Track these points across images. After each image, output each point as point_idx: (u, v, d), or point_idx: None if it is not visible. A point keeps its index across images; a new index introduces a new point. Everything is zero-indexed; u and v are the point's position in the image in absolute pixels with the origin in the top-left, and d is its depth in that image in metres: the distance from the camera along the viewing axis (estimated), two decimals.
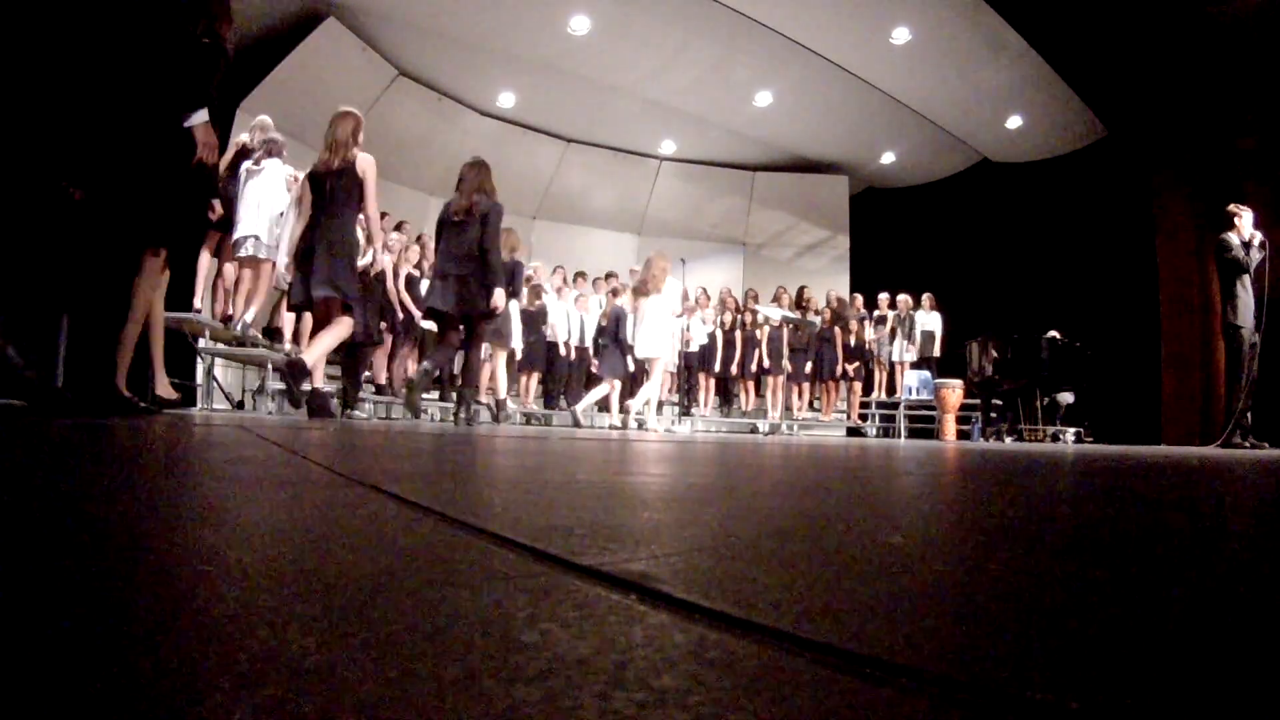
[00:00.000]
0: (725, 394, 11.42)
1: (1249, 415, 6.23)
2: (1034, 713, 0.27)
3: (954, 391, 9.52)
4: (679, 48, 9.36)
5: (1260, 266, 6.20)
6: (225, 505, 0.77)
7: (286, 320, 6.67)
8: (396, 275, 7.62)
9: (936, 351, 10.61)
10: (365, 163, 4.37)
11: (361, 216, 4.48)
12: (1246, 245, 6.19)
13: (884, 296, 11.19)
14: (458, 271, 4.84)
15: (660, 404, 10.35)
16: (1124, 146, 10.13)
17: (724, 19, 8.66)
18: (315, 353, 4.38)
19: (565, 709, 0.26)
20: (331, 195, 4.32)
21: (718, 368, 10.90)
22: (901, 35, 8.90)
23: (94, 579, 0.42)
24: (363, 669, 0.29)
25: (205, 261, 6.02)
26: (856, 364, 10.67)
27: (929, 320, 10.79)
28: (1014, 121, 10.56)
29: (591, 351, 9.36)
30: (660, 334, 7.06)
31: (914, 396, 10.39)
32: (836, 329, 10.59)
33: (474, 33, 9.02)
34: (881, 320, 11.04)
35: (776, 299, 10.92)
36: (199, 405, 6.27)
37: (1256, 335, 6.21)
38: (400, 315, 7.65)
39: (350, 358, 6.67)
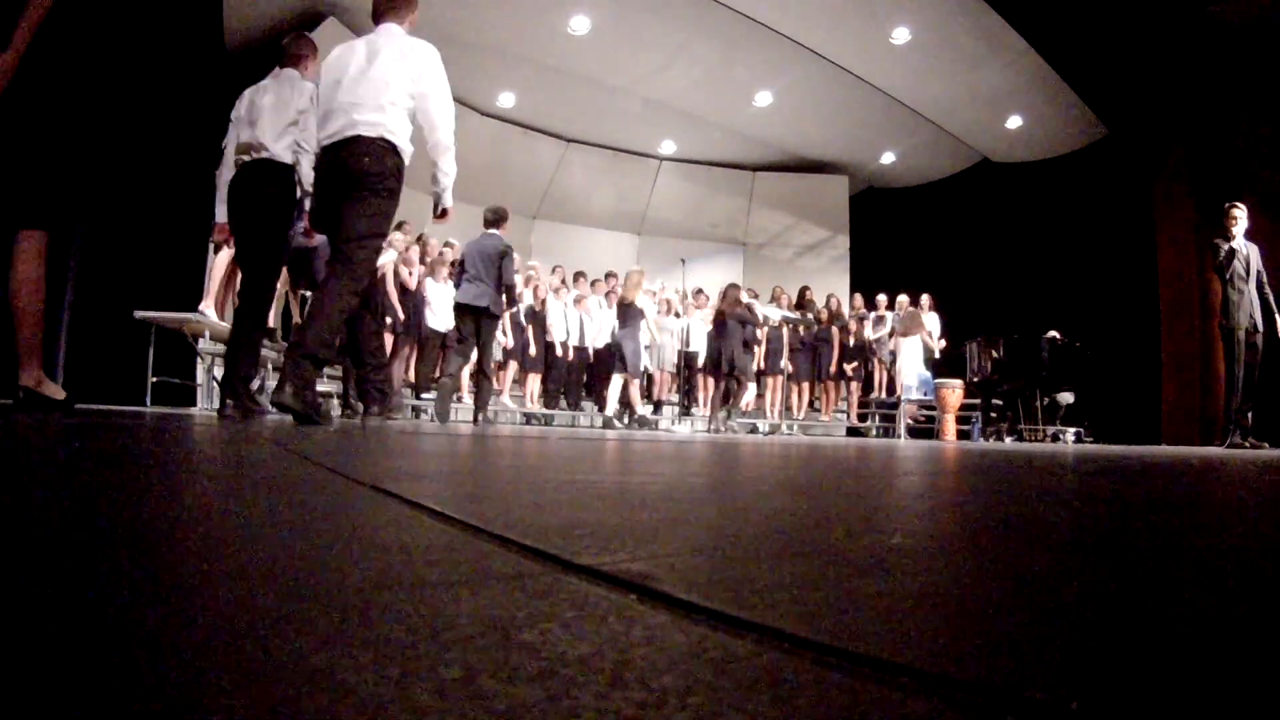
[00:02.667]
0: (725, 394, 11.41)
1: (1249, 415, 6.23)
2: (1034, 713, 0.27)
3: (954, 391, 9.52)
4: (679, 48, 9.36)
5: (1247, 268, 6.19)
6: (225, 505, 0.76)
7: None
8: (397, 275, 7.62)
9: (935, 352, 10.61)
10: (644, 301, 8.63)
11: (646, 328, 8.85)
12: (1234, 250, 6.17)
13: (883, 297, 11.19)
14: (733, 347, 8.45)
15: (660, 404, 10.37)
16: (1124, 146, 10.13)
17: (724, 19, 8.67)
18: (616, 399, 8.73)
19: (565, 709, 0.26)
20: (628, 316, 8.64)
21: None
22: (901, 35, 8.91)
23: (94, 579, 0.42)
24: (363, 669, 0.29)
25: (223, 262, 5.97)
26: (856, 364, 10.66)
27: (927, 320, 10.79)
28: (1014, 121, 10.56)
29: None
30: (916, 368, 9.57)
31: (914, 396, 10.39)
32: (835, 329, 10.59)
33: (474, 33, 9.03)
34: (881, 320, 11.05)
35: (775, 299, 10.93)
36: (199, 405, 6.28)
37: (1256, 336, 6.21)
38: (401, 316, 7.64)
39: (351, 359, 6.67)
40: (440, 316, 7.87)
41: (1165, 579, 0.56)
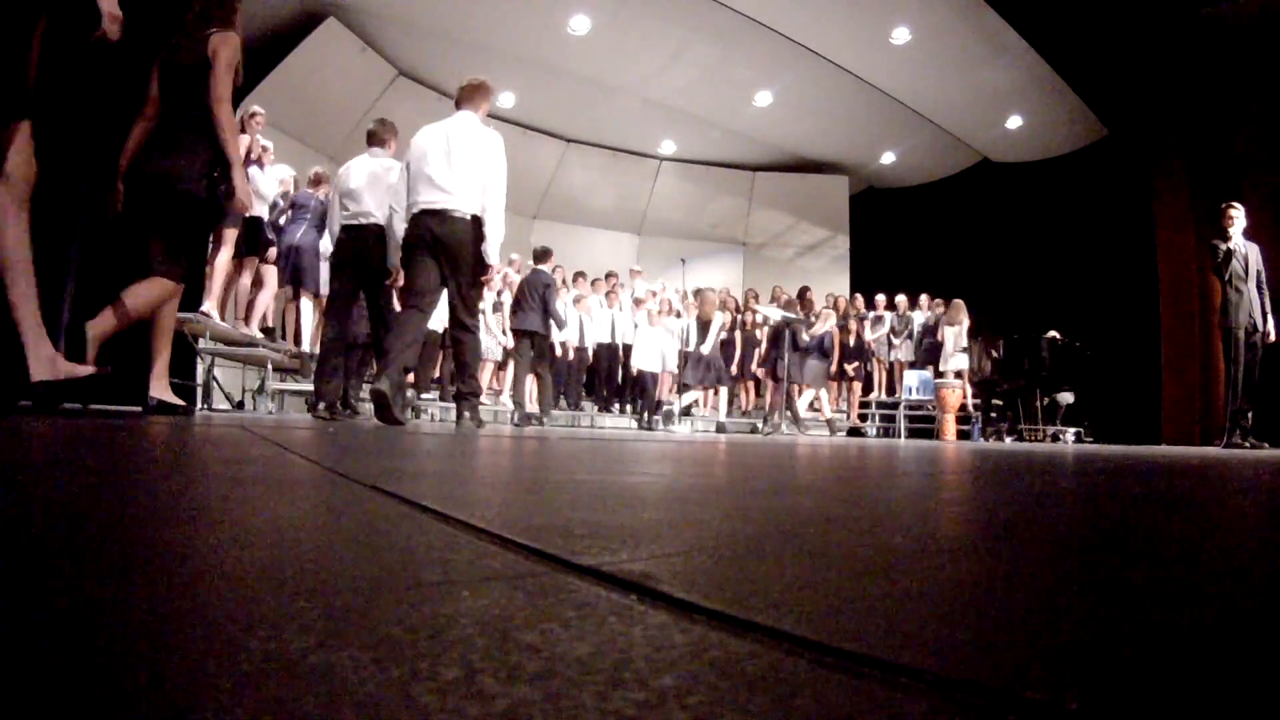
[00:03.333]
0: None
1: (1249, 415, 6.22)
2: (1034, 713, 0.27)
3: (954, 391, 9.53)
4: (679, 48, 9.36)
5: (1246, 268, 6.18)
6: (225, 505, 0.76)
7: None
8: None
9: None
10: (718, 318, 9.38)
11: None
12: (1231, 250, 6.17)
13: (881, 298, 11.20)
14: (784, 358, 9.00)
15: (659, 404, 10.37)
16: (1124, 146, 10.14)
17: (724, 19, 8.67)
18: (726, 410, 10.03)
19: (565, 709, 0.26)
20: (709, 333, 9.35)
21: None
22: (901, 35, 8.91)
23: (94, 579, 0.42)
24: (363, 669, 0.29)
25: (224, 263, 5.97)
26: (856, 364, 10.66)
27: (925, 320, 10.80)
28: (1014, 121, 10.56)
29: None
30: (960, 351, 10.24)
31: (914, 396, 10.39)
32: (835, 329, 10.59)
33: (474, 33, 9.03)
34: (880, 320, 11.05)
35: (775, 299, 10.92)
36: (199, 405, 6.28)
37: (1256, 336, 6.20)
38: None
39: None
40: (438, 317, 7.87)
41: (1165, 579, 0.56)
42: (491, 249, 4.21)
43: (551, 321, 7.65)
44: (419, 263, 4.18)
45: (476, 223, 4.15)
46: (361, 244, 4.76)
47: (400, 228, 4.36)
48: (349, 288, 4.87)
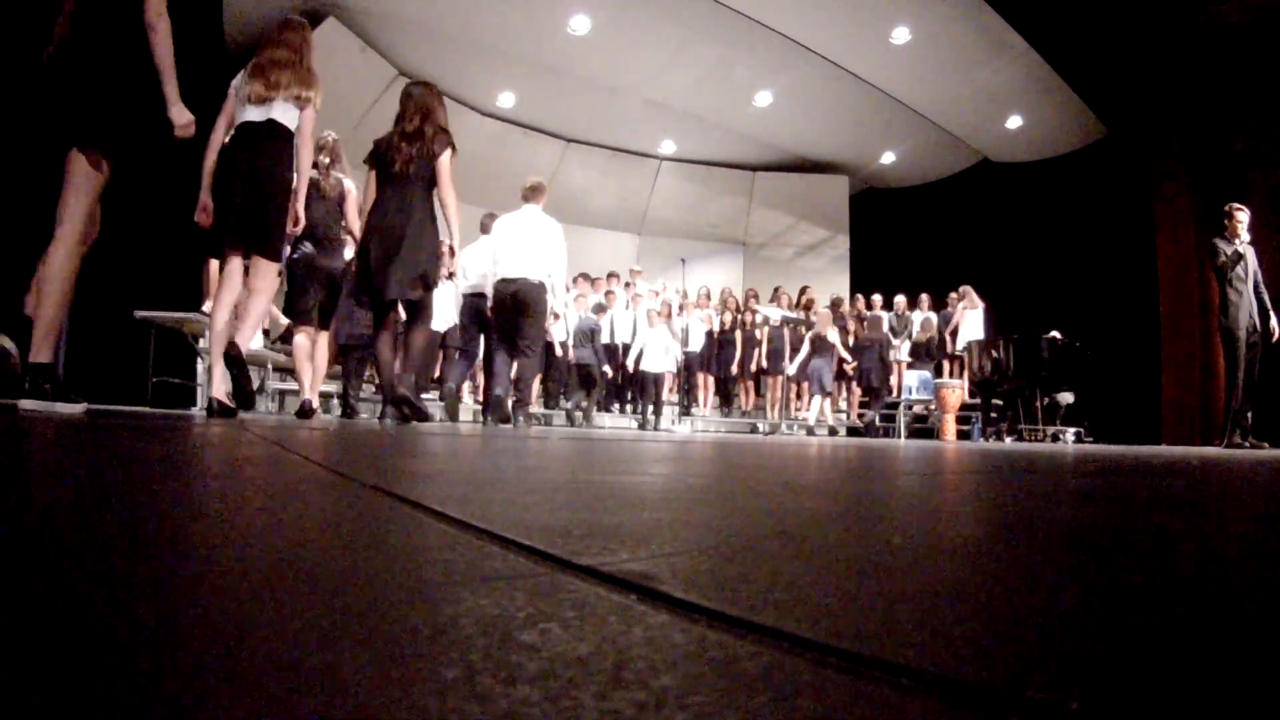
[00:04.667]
0: (725, 394, 11.41)
1: (1249, 415, 6.23)
2: (1035, 713, 0.27)
3: (954, 391, 9.52)
4: (679, 48, 9.36)
5: (1245, 269, 6.18)
6: (225, 505, 0.76)
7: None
8: None
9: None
10: (833, 335, 9.76)
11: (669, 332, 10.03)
12: (1239, 253, 6.17)
13: (878, 297, 11.20)
14: (873, 366, 10.24)
15: (661, 406, 10.38)
16: (1124, 146, 10.13)
17: (724, 19, 8.67)
18: (816, 415, 9.95)
19: (565, 709, 0.26)
20: (822, 348, 9.82)
21: (717, 367, 10.90)
22: (901, 35, 8.91)
23: (94, 579, 0.42)
24: (363, 669, 0.29)
25: (216, 267, 5.97)
26: (856, 364, 10.67)
27: (922, 320, 10.80)
28: (1014, 121, 10.56)
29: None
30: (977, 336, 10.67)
31: (914, 396, 10.39)
32: (835, 329, 10.60)
33: (474, 33, 9.03)
34: (877, 320, 11.05)
35: (775, 299, 10.92)
36: (199, 405, 6.28)
37: (1256, 336, 6.20)
38: (403, 316, 7.62)
39: (348, 360, 6.66)
40: (439, 317, 7.87)
41: (1165, 579, 0.56)
42: (557, 302, 5.87)
43: (588, 347, 9.38)
44: (502, 317, 5.64)
45: (542, 286, 5.60)
46: (477, 304, 6.35)
47: (490, 294, 5.84)
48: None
